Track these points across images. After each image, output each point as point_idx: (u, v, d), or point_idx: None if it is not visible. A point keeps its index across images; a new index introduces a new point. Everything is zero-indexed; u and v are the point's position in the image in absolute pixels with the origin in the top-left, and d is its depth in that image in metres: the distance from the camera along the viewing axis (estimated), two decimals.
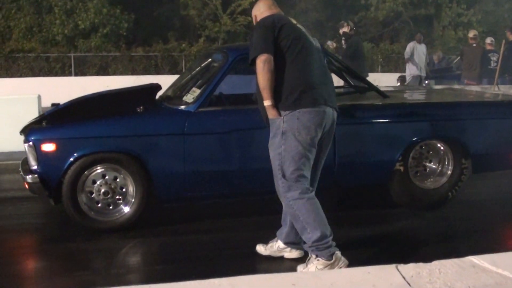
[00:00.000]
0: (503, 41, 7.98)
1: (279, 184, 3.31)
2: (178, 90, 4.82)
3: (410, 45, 11.33)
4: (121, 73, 17.13)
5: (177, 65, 18.13)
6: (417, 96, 6.08)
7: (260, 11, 3.49)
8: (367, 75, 7.68)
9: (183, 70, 15.39)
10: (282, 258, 3.62)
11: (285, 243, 3.61)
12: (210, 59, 4.95)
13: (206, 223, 4.45)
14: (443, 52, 16.06)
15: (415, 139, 4.56)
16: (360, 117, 4.46)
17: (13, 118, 7.05)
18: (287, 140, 3.24)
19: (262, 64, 3.19)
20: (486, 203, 5.06)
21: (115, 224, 4.20)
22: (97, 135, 4.13)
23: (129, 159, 4.13)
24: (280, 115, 3.26)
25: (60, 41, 17.95)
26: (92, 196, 4.18)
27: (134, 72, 17.31)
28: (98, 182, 4.17)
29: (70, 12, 17.94)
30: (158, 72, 17.57)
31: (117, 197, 4.21)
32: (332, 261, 3.23)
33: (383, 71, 19.40)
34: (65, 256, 3.85)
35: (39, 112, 7.42)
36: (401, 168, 4.57)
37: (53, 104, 4.80)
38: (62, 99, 4.91)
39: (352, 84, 5.19)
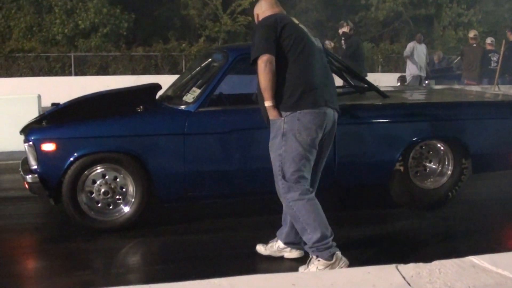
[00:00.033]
0: (503, 41, 8.00)
1: (279, 185, 3.30)
2: (178, 90, 4.81)
3: (410, 45, 11.33)
4: (121, 73, 17.12)
5: (177, 65, 18.13)
6: (417, 96, 6.08)
7: (262, 10, 3.46)
8: (366, 75, 7.67)
9: (183, 70, 15.38)
10: (282, 258, 3.62)
11: (285, 243, 3.60)
12: (210, 59, 4.94)
13: (206, 223, 4.45)
14: (443, 52, 16.06)
15: (415, 139, 4.56)
16: (360, 117, 4.46)
17: (13, 118, 7.04)
18: (287, 141, 3.23)
19: (264, 65, 3.17)
20: (486, 203, 5.05)
21: (115, 224, 4.20)
22: (97, 135, 4.13)
23: (129, 159, 4.13)
24: (281, 116, 3.25)
25: (60, 41, 17.94)
26: (92, 196, 4.17)
27: (134, 72, 17.30)
28: (98, 182, 4.17)
29: (70, 12, 17.94)
30: (158, 72, 17.56)
31: (117, 197, 4.21)
32: (332, 261, 3.23)
33: (383, 71, 19.39)
34: (65, 256, 3.85)
35: (39, 112, 7.42)
36: (401, 168, 4.57)
37: (53, 104, 4.79)
38: (62, 99, 4.91)
39: (352, 84, 5.20)
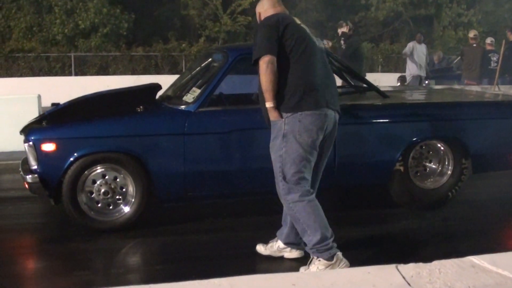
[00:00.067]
0: (503, 41, 7.99)
1: (280, 186, 3.30)
2: (178, 90, 4.81)
3: (410, 45, 11.32)
4: (121, 73, 17.12)
5: (177, 65, 18.12)
6: (417, 96, 6.08)
7: (264, 9, 3.44)
8: (365, 76, 7.67)
9: (183, 70, 15.38)
10: (282, 258, 3.62)
11: (285, 243, 3.60)
12: (210, 59, 4.95)
13: (206, 223, 4.45)
14: (443, 52, 16.06)
15: (415, 139, 4.56)
16: (360, 117, 4.46)
17: (13, 118, 7.04)
18: (288, 142, 3.22)
19: (265, 66, 3.16)
20: (486, 203, 5.05)
21: (115, 224, 4.20)
22: (97, 135, 4.13)
23: (129, 159, 4.13)
24: (281, 117, 3.25)
25: (60, 41, 17.94)
26: (92, 196, 4.18)
27: (134, 72, 17.30)
28: (98, 182, 4.17)
29: (70, 12, 17.93)
30: (158, 72, 17.56)
31: (117, 197, 4.21)
32: (333, 262, 3.23)
33: (383, 71, 19.39)
34: (65, 256, 3.85)
35: (39, 112, 7.41)
36: (401, 168, 4.57)
37: (53, 104, 4.80)
38: (62, 99, 4.91)
39: (352, 84, 5.20)
